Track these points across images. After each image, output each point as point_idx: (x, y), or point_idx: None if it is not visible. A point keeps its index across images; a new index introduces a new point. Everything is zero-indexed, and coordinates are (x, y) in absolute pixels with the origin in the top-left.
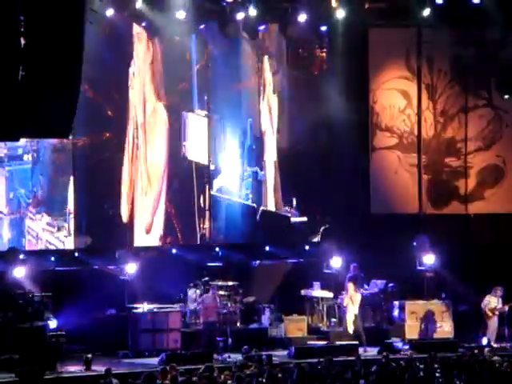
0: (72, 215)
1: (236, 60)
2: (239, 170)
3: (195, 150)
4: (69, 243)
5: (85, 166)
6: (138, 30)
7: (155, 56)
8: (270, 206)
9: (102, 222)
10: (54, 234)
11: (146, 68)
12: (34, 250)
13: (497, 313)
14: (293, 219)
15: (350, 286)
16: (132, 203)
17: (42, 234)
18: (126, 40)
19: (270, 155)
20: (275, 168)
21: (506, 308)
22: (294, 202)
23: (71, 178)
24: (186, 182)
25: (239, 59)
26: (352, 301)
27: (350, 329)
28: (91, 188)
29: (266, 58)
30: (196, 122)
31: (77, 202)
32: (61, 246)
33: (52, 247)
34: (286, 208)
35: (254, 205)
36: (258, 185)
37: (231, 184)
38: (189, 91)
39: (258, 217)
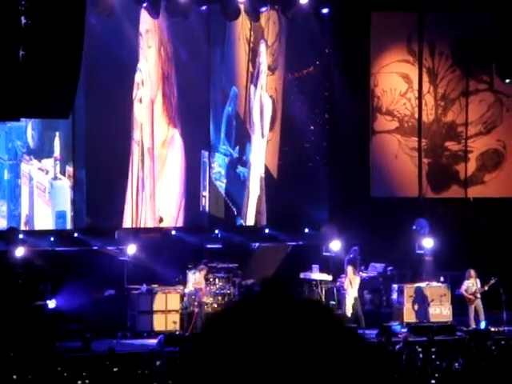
0: (58, 161)
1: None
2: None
3: (221, 202)
4: (57, 183)
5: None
6: (147, 27)
7: (168, 67)
8: (250, 218)
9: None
10: (42, 177)
11: (157, 78)
12: (33, 230)
13: (478, 295)
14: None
15: (350, 268)
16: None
17: (33, 175)
18: (131, 32)
19: (257, 164)
20: (261, 187)
21: (486, 288)
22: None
23: (57, 133)
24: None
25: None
26: (351, 284)
27: (349, 312)
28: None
29: (262, 43)
30: (223, 163)
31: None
32: (48, 186)
33: (41, 186)
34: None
35: (234, 210)
36: (236, 179)
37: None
38: (213, 121)
39: (237, 223)
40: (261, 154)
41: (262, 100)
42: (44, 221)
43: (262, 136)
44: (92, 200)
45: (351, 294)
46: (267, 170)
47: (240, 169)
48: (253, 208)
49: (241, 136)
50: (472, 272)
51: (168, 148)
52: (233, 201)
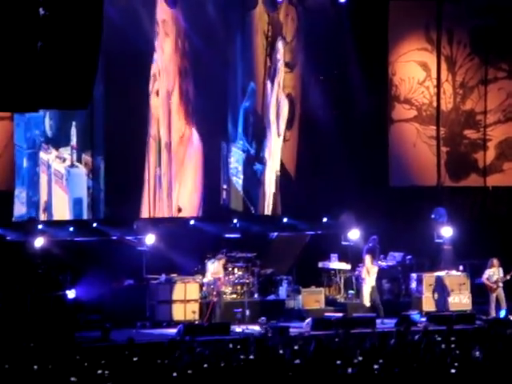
0: (74, 150)
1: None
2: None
3: (240, 197)
4: (74, 171)
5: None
6: (164, 17)
7: (185, 60)
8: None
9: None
10: (60, 164)
11: (173, 71)
12: (52, 221)
13: (500, 284)
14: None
15: (367, 258)
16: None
17: (51, 163)
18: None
19: (273, 162)
20: (276, 186)
21: (508, 277)
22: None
23: (73, 123)
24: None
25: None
26: (368, 273)
27: (367, 301)
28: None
29: (280, 40)
30: (240, 158)
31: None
32: (65, 173)
33: (58, 173)
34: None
35: (252, 209)
36: (253, 176)
37: None
38: (231, 116)
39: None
40: (276, 152)
41: (279, 98)
42: (61, 207)
43: (278, 135)
44: (110, 188)
45: (368, 283)
46: (285, 170)
47: (257, 166)
48: (269, 206)
49: (258, 132)
50: (495, 261)
51: (186, 146)
52: (250, 199)
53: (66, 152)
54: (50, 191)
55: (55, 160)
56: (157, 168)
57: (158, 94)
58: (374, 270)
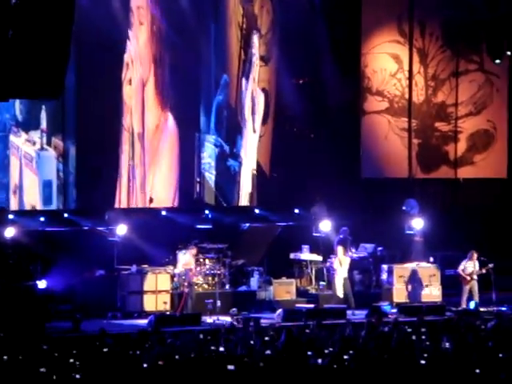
0: (44, 134)
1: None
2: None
3: (213, 192)
4: (43, 154)
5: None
6: (139, 3)
7: (160, 47)
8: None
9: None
10: (30, 148)
11: (148, 58)
12: (23, 210)
13: (475, 277)
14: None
15: (339, 249)
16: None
17: (21, 147)
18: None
19: (249, 160)
20: (253, 185)
21: (484, 271)
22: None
23: (43, 107)
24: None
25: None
26: (341, 264)
27: (339, 292)
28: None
29: (255, 34)
30: (212, 153)
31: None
32: (35, 156)
33: (28, 156)
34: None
35: (225, 205)
36: (226, 172)
37: None
38: (204, 108)
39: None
40: (252, 149)
41: (254, 94)
42: (32, 190)
43: (254, 131)
44: (80, 171)
45: (341, 274)
46: (259, 167)
47: (231, 162)
48: (244, 203)
49: (232, 127)
50: (475, 254)
51: (161, 134)
52: (223, 195)
53: (35, 135)
54: (21, 174)
55: (25, 143)
56: (130, 160)
57: (130, 82)
58: (347, 261)
